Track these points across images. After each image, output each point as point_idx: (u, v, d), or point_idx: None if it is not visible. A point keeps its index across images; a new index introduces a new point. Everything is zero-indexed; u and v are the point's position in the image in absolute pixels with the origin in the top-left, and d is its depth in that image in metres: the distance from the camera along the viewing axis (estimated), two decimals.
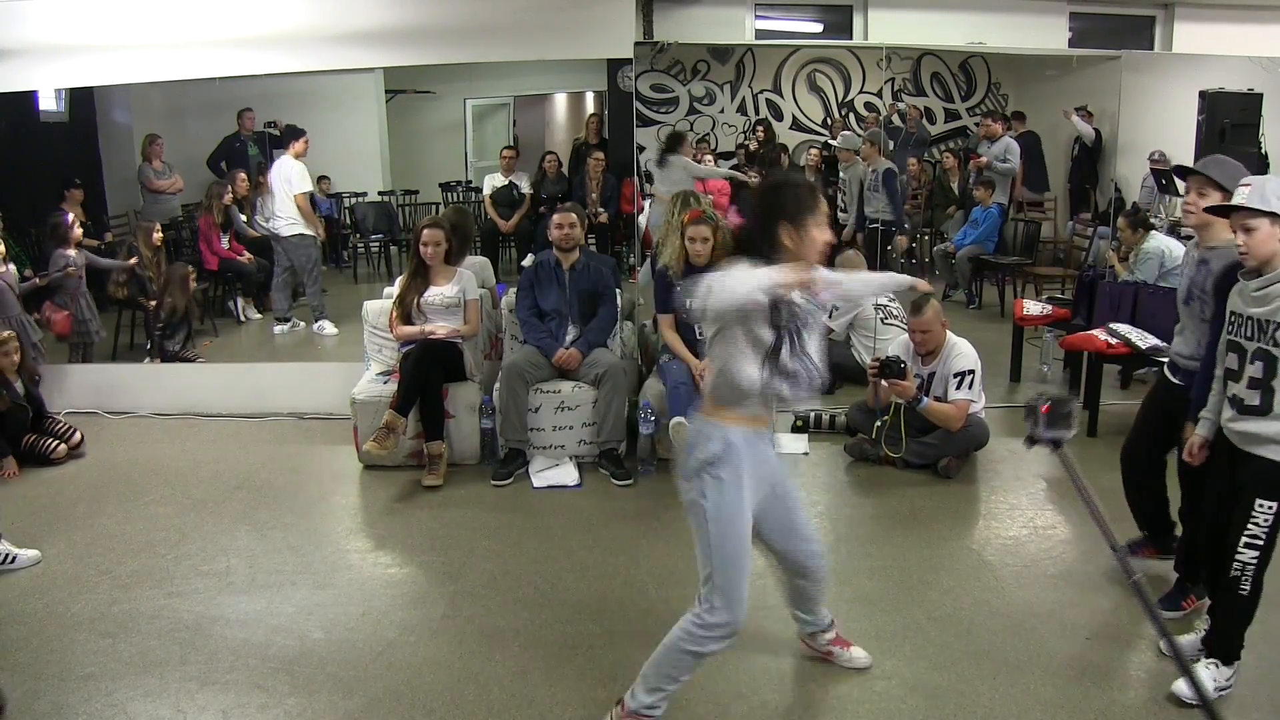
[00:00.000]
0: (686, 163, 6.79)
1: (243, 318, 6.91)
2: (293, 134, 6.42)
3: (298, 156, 6.36)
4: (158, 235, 6.10)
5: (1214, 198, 3.01)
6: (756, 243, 2.44)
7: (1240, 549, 2.70)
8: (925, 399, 4.58)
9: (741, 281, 2.26)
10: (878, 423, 4.70)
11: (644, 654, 3.09)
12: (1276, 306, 2.65)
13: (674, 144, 6.85)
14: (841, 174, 7.99)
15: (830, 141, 8.21)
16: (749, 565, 2.52)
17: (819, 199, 2.50)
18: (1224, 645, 2.83)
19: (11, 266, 5.49)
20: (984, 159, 7.73)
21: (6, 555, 3.78)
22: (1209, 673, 2.80)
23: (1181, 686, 2.79)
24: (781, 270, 2.28)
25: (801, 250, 2.43)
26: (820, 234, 2.46)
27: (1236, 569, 2.72)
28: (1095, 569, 3.68)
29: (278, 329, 6.64)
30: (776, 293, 2.27)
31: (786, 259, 2.39)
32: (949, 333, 4.69)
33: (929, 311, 4.59)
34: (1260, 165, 5.93)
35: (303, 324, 6.66)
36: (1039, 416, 2.34)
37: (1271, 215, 2.62)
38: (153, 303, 6.04)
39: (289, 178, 6.34)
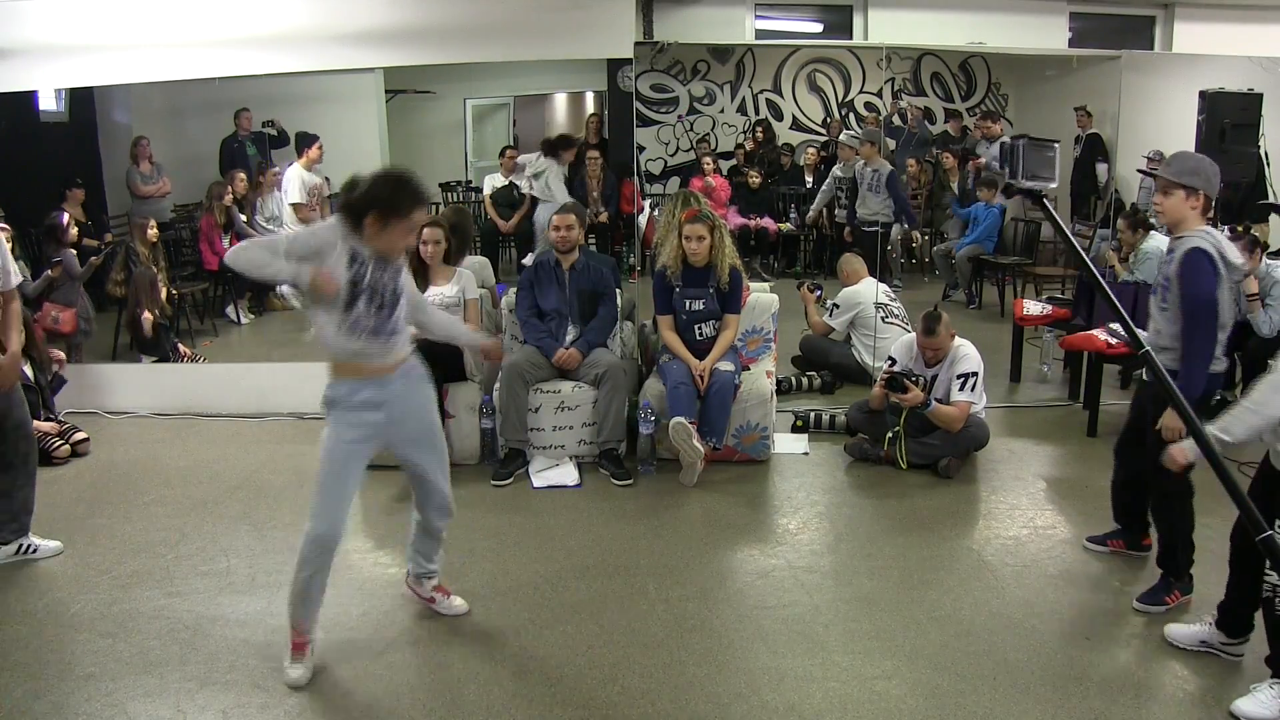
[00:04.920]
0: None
1: (241, 320, 6.89)
2: (304, 141, 6.27)
3: (309, 165, 6.25)
4: (153, 232, 6.08)
5: (1178, 195, 3.11)
6: (350, 217, 2.75)
7: (1267, 570, 2.69)
8: (933, 402, 4.58)
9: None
10: (890, 434, 4.69)
11: (644, 654, 3.11)
12: None
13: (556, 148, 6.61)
14: (838, 172, 8.01)
15: (839, 140, 8.22)
16: (343, 494, 2.87)
17: (415, 208, 2.78)
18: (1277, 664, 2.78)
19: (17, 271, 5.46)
20: (982, 160, 7.74)
21: (29, 546, 3.81)
22: (1272, 692, 2.72)
23: (1242, 706, 2.71)
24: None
25: (376, 240, 2.76)
26: (396, 237, 2.77)
27: (1267, 590, 2.71)
28: (1095, 569, 3.69)
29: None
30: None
31: (367, 241, 2.75)
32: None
33: (942, 331, 4.59)
34: (1260, 165, 5.94)
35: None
36: (1020, 157, 1.90)
37: None
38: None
39: (285, 187, 6.30)
